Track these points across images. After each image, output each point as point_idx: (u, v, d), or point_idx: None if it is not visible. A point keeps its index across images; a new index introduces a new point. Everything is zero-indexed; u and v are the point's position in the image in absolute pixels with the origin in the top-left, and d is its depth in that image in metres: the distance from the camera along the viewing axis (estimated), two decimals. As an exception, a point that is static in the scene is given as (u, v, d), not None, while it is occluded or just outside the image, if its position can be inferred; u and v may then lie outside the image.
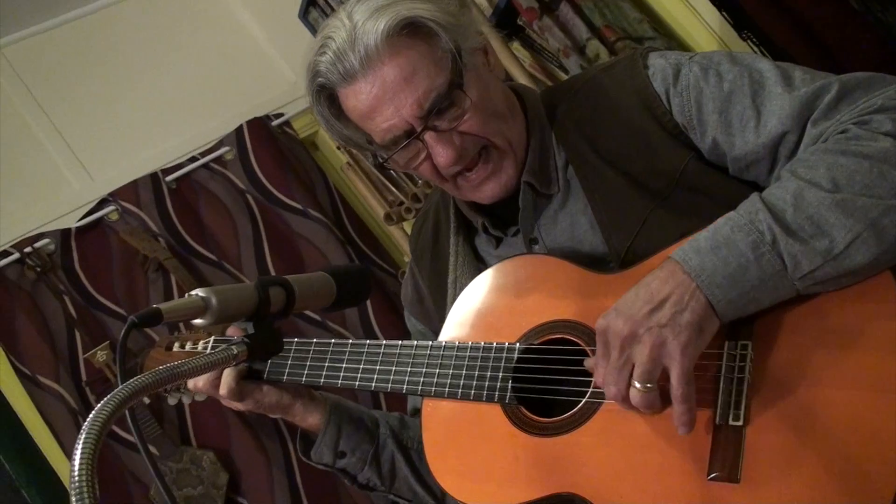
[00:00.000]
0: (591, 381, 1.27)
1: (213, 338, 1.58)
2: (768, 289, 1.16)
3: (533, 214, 1.44)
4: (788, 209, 1.16)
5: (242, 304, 1.04)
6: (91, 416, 0.83)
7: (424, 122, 1.33)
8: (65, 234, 3.11)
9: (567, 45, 2.33)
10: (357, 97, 1.34)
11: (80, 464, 0.76)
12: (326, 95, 1.39)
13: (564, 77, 2.46)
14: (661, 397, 1.18)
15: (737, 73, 1.33)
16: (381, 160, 1.42)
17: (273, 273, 3.23)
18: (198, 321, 1.01)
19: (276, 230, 3.29)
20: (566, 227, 1.42)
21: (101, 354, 2.91)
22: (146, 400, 2.94)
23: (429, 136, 1.34)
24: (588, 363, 1.25)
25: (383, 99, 1.32)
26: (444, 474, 1.33)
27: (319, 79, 1.36)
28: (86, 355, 2.93)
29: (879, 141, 1.16)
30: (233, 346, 1.02)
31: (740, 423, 1.15)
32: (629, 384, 1.17)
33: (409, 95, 1.31)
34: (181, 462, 2.91)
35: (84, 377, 2.97)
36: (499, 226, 1.49)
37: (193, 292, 1.01)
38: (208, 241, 3.24)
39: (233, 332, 1.57)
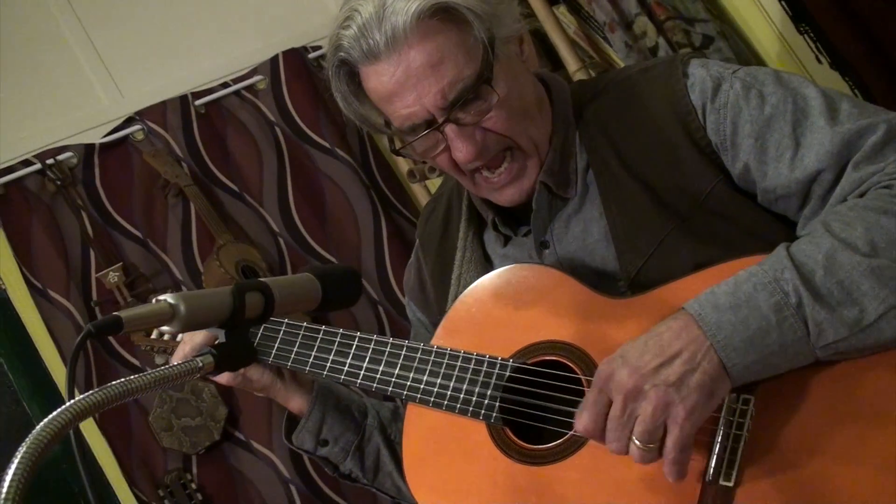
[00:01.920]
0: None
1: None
2: (788, 355, 1.08)
3: (546, 216, 1.37)
4: (818, 270, 1.07)
5: (214, 311, 0.98)
6: (35, 431, 0.78)
7: (447, 113, 1.25)
8: (88, 149, 3.06)
9: (614, 18, 2.22)
10: (379, 78, 1.26)
11: (11, 482, 0.72)
12: (347, 71, 1.31)
13: (609, 50, 2.35)
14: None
15: (780, 97, 1.23)
16: (396, 147, 1.34)
17: (294, 209, 3.18)
18: (164, 328, 0.96)
19: (302, 166, 3.23)
20: (578, 233, 1.34)
21: (112, 275, 2.89)
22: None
23: (450, 129, 1.26)
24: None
25: (406, 84, 1.24)
26: (419, 488, 1.29)
27: (341, 53, 1.28)
28: (98, 275, 2.92)
29: None
30: (198, 359, 0.96)
31: (731, 483, 1.10)
32: (630, 439, 1.10)
33: (433, 84, 1.23)
34: (182, 391, 2.91)
35: (94, 296, 2.95)
36: (509, 223, 1.41)
37: (161, 297, 0.95)
38: (232, 171, 3.19)
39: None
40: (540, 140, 1.33)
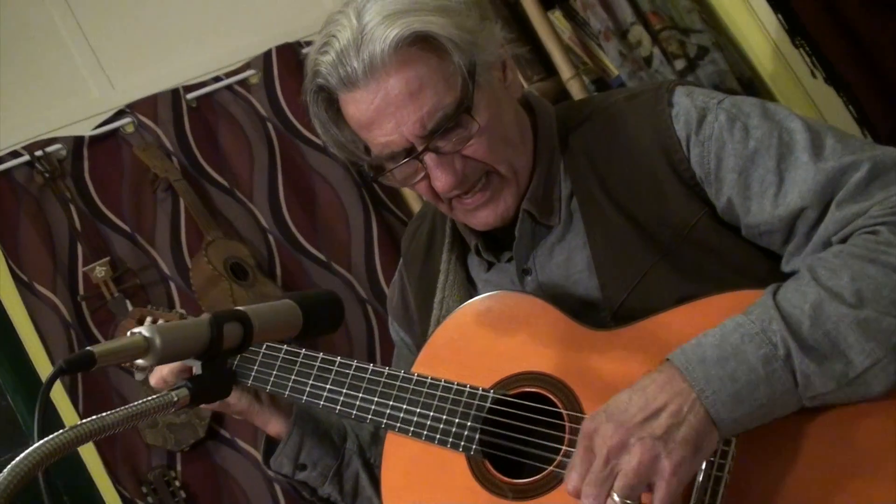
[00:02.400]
0: (560, 447, 1.20)
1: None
2: (775, 407, 1.07)
3: (529, 244, 1.35)
4: (805, 322, 1.06)
5: (191, 343, 0.97)
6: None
7: (426, 142, 1.23)
8: (78, 141, 3.04)
9: (609, 27, 2.20)
10: (357, 106, 1.24)
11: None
12: (325, 97, 1.29)
13: (604, 57, 2.33)
14: None
15: (765, 131, 1.21)
16: (372, 176, 1.33)
17: (284, 206, 3.16)
18: (139, 362, 0.94)
19: (293, 163, 3.20)
20: (562, 262, 1.33)
21: (99, 270, 2.87)
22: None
23: (429, 158, 1.24)
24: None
25: (385, 112, 1.22)
26: (397, 520, 1.28)
27: (319, 79, 1.26)
28: (85, 269, 2.90)
29: None
30: (173, 393, 0.95)
31: (710, 526, 1.08)
32: (609, 495, 1.07)
33: (412, 112, 1.21)
34: (168, 389, 2.89)
35: (81, 290, 2.93)
36: (492, 249, 1.40)
37: (136, 330, 0.93)
38: (222, 166, 3.16)
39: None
40: (520, 167, 1.32)
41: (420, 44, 1.20)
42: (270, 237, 3.15)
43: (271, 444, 1.47)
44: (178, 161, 3.09)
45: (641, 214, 1.26)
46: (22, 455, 0.78)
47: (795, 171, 1.17)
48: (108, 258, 2.91)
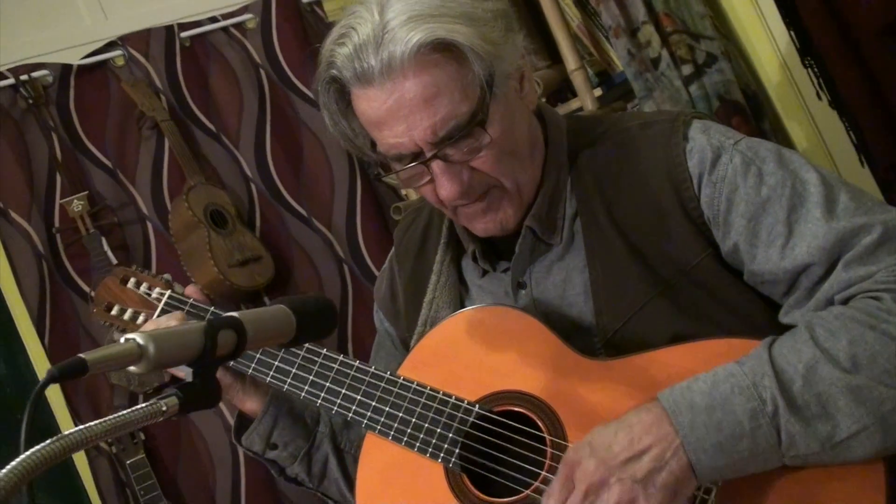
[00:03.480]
0: (539, 472, 1.20)
1: (168, 292, 1.49)
2: (756, 462, 1.09)
3: (528, 258, 1.34)
4: (797, 380, 1.08)
5: (184, 351, 0.95)
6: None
7: (435, 148, 1.21)
8: (65, 69, 2.97)
9: (620, 23, 2.17)
10: (369, 103, 1.22)
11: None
12: (336, 89, 1.26)
13: (610, 50, 2.31)
14: None
15: (780, 179, 1.21)
16: (377, 173, 1.31)
17: (269, 156, 3.12)
18: (131, 369, 0.92)
19: (283, 113, 3.16)
20: (559, 282, 1.32)
21: (77, 203, 2.83)
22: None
23: (436, 165, 1.22)
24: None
25: (397, 114, 1.20)
26: (369, 524, 1.28)
27: (333, 70, 1.24)
28: (62, 201, 2.86)
29: None
30: (162, 402, 0.93)
31: (685, 570, 1.10)
32: None
33: (425, 118, 1.19)
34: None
35: (56, 223, 2.89)
36: (489, 256, 1.39)
37: (130, 336, 0.92)
38: (210, 110, 3.11)
39: (192, 291, 1.49)
40: (525, 182, 1.30)
41: (441, 50, 1.18)
42: (253, 187, 3.11)
43: (244, 420, 1.47)
44: (167, 100, 3.04)
45: (644, 245, 1.25)
46: (7, 467, 0.76)
47: (806, 225, 1.17)
48: (86, 192, 2.87)
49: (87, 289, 2.86)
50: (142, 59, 3.02)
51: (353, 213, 3.13)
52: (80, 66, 2.97)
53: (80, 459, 2.77)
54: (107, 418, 0.89)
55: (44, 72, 2.91)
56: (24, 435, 0.82)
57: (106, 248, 2.87)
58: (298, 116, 3.16)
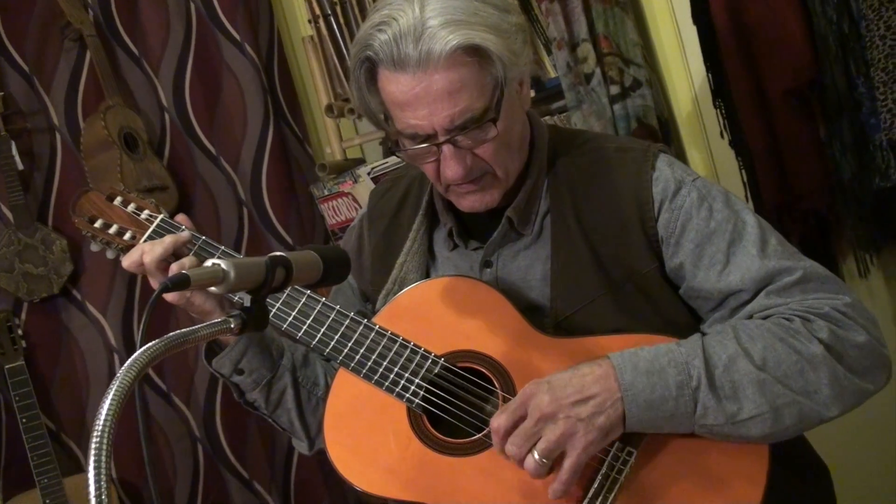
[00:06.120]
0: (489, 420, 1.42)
1: (161, 216, 1.59)
2: (673, 423, 1.34)
3: (499, 242, 1.54)
4: (720, 367, 1.33)
5: (250, 280, 1.10)
6: (120, 373, 0.89)
7: (449, 134, 1.39)
8: (-5, -36, 2.92)
9: (564, 37, 2.39)
10: (398, 86, 1.38)
11: (103, 427, 0.83)
12: (368, 67, 1.42)
13: (545, 58, 2.52)
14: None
15: (725, 217, 1.45)
16: (392, 145, 1.48)
17: (188, 89, 3.17)
18: (212, 289, 1.07)
19: (207, 50, 3.20)
20: (523, 266, 1.53)
21: (-15, 100, 2.82)
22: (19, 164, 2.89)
23: (447, 148, 1.40)
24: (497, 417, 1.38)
25: (423, 101, 1.37)
26: (334, 445, 1.46)
27: (368, 52, 1.39)
28: (-23, 98, 2.83)
29: (813, 344, 1.34)
30: (230, 319, 1.08)
31: (602, 513, 1.35)
32: (530, 451, 1.33)
33: (446, 108, 1.37)
34: (33, 238, 2.89)
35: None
36: (462, 235, 1.58)
37: (217, 262, 1.06)
38: (136, 34, 3.13)
39: (183, 219, 1.60)
40: (513, 171, 1.50)
41: (472, 54, 1.36)
42: (167, 116, 3.16)
43: (213, 344, 1.59)
44: (94, 15, 3.04)
45: (603, 249, 1.48)
46: (133, 357, 0.91)
47: (742, 258, 1.43)
48: (2, 94, 2.85)
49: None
50: (74, -30, 3.00)
51: (261, 159, 3.21)
52: (8, -37, 2.93)
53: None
54: (192, 328, 1.04)
55: (-28, -37, 2.86)
56: (142, 335, 0.96)
57: (14, 152, 2.87)
58: (222, 56, 3.20)
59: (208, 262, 1.07)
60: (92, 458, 0.81)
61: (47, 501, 2.69)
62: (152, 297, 0.99)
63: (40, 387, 2.87)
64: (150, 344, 0.95)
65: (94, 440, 0.83)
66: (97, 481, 0.80)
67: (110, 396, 0.87)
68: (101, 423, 0.84)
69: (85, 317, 2.99)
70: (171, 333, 0.99)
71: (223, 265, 1.06)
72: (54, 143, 2.99)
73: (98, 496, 0.80)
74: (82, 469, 2.89)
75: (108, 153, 2.93)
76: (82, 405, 2.96)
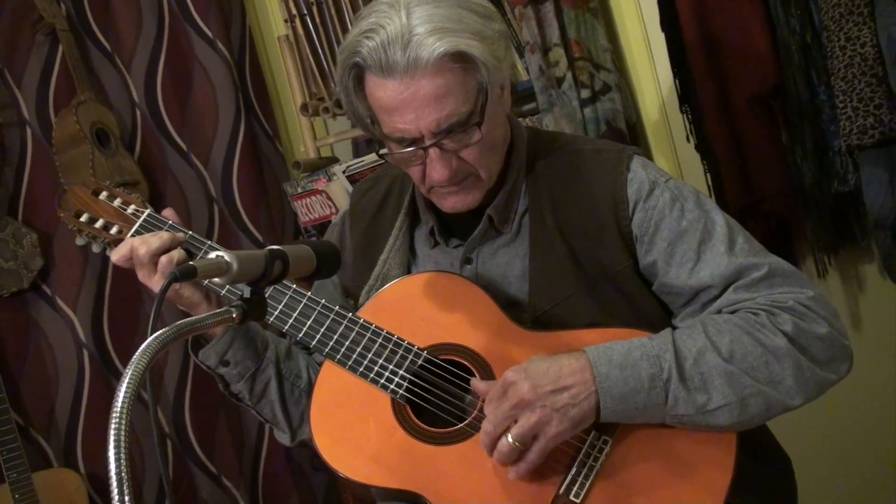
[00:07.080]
0: (472, 411, 1.47)
1: (148, 211, 1.62)
2: (646, 414, 1.41)
3: (479, 240, 1.60)
4: (689, 360, 1.40)
5: (251, 272, 1.14)
6: (135, 358, 0.94)
7: (435, 138, 1.44)
8: (-33, -44, 2.91)
9: (537, 41, 2.46)
10: (385, 91, 1.43)
11: (121, 409, 0.87)
12: (356, 73, 1.47)
13: (517, 61, 2.58)
14: None
15: (696, 216, 1.52)
16: (381, 152, 1.53)
17: (159, 86, 3.19)
18: (216, 280, 1.11)
19: (179, 47, 3.22)
20: (502, 263, 1.59)
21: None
22: None
23: (433, 152, 1.45)
24: (478, 386, 1.46)
25: (409, 106, 1.42)
26: (321, 434, 1.50)
27: (357, 58, 1.44)
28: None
29: (777, 337, 1.41)
30: (232, 309, 1.13)
31: (578, 500, 1.41)
32: (504, 433, 1.39)
33: (432, 112, 1.42)
34: (3, 232, 2.89)
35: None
36: (443, 233, 1.63)
37: (221, 254, 1.10)
38: (109, 29, 3.14)
39: (170, 214, 1.63)
40: (495, 172, 1.56)
41: (457, 60, 1.41)
42: (138, 112, 3.17)
43: (200, 336, 1.63)
44: (67, 10, 3.04)
45: (579, 247, 1.54)
46: (150, 340, 0.95)
47: (711, 255, 1.50)
48: (-31, 80, 2.85)
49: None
50: (47, -36, 3.01)
51: (232, 156, 3.24)
52: (-19, -47, 2.93)
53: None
54: (197, 317, 1.08)
55: (-56, -46, 2.85)
56: (152, 323, 1.00)
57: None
58: (194, 52, 3.23)
59: (212, 255, 1.11)
60: (112, 439, 0.85)
61: (17, 496, 2.68)
62: (163, 285, 1.04)
63: (9, 381, 2.86)
64: (160, 331, 1.00)
65: (114, 423, 0.87)
66: (117, 460, 0.84)
67: (126, 380, 0.91)
68: (119, 405, 0.88)
69: (55, 312, 2.99)
70: (179, 322, 1.04)
71: (227, 257, 1.10)
72: (25, 138, 2.99)
73: (118, 475, 0.84)
74: (51, 464, 2.90)
75: (79, 148, 2.93)
76: (51, 400, 2.96)
